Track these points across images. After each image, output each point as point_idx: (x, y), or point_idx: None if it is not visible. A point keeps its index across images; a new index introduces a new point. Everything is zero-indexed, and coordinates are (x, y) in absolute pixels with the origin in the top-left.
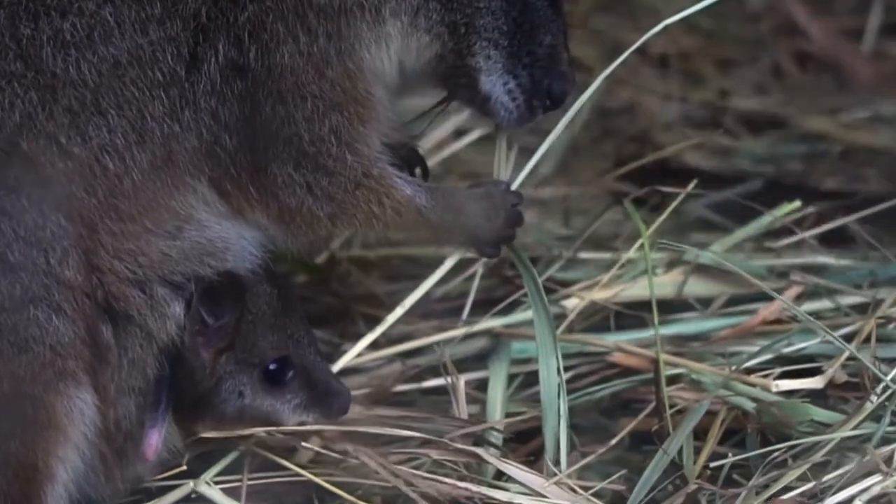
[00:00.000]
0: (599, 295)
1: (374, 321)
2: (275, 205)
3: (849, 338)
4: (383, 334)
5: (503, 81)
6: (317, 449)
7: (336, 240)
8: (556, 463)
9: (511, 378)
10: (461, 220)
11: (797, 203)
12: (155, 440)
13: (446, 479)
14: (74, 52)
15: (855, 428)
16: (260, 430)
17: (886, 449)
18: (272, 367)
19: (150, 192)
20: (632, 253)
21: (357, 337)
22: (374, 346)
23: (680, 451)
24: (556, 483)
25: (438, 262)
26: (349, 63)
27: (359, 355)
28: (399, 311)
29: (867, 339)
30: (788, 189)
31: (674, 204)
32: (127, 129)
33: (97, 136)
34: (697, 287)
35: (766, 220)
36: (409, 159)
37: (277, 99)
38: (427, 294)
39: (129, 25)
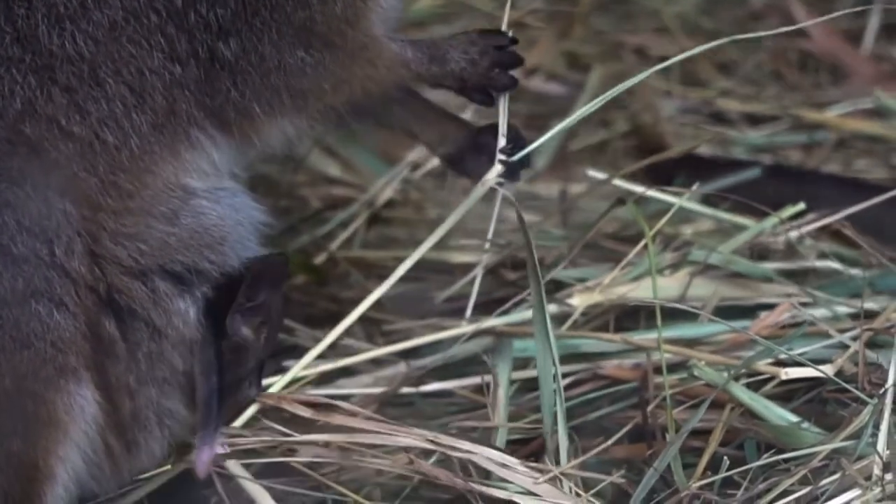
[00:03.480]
0: (600, 297)
1: (373, 323)
2: (287, 98)
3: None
4: (383, 335)
5: None
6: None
7: (335, 241)
8: (558, 463)
9: (512, 381)
10: (447, 67)
11: (801, 206)
12: (206, 456)
13: (444, 475)
14: (69, 25)
15: (850, 437)
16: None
17: (866, 462)
18: None
19: (146, 160)
20: (633, 255)
21: (356, 337)
22: (376, 346)
23: (686, 450)
24: (554, 482)
25: (438, 263)
26: None
27: (357, 353)
28: (368, 301)
29: (869, 344)
30: (788, 175)
31: (675, 206)
32: (125, 93)
33: (96, 111)
34: (699, 289)
35: (771, 221)
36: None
37: None
38: (430, 297)
39: None
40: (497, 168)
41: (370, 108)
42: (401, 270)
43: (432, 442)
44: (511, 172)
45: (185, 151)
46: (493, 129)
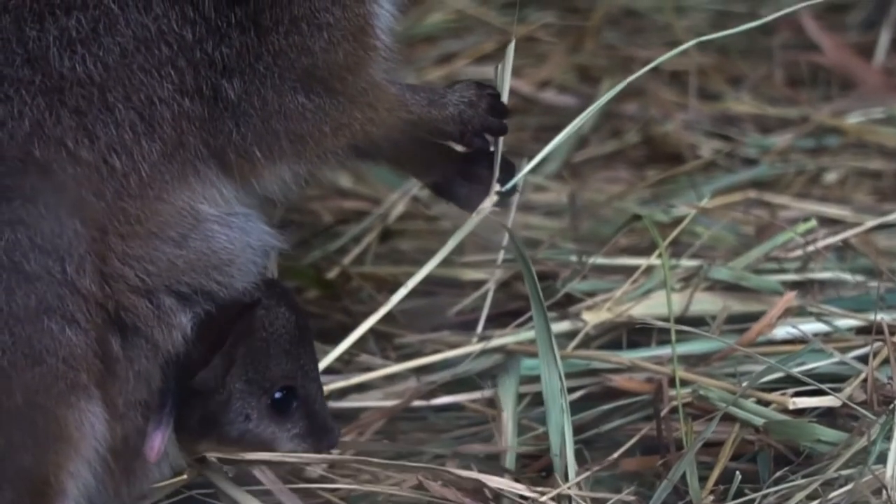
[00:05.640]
0: (609, 314)
1: (385, 337)
2: (287, 143)
3: (863, 357)
4: (395, 349)
5: None
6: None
7: (348, 256)
8: (567, 480)
9: (521, 396)
10: (447, 111)
11: (813, 222)
12: (158, 441)
13: (453, 495)
14: (80, 49)
15: (861, 451)
16: (269, 457)
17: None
18: (278, 395)
19: (157, 187)
20: (644, 268)
21: (368, 351)
22: (388, 360)
23: (697, 464)
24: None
25: (450, 278)
26: None
27: (369, 369)
28: (383, 310)
29: (880, 358)
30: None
31: (687, 219)
32: (135, 120)
33: (105, 135)
34: (710, 304)
35: (783, 237)
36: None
37: (291, 27)
38: (442, 311)
39: (132, 8)
40: (493, 198)
41: (367, 151)
42: (402, 292)
43: (440, 472)
44: (503, 200)
45: (196, 183)
46: (482, 157)
